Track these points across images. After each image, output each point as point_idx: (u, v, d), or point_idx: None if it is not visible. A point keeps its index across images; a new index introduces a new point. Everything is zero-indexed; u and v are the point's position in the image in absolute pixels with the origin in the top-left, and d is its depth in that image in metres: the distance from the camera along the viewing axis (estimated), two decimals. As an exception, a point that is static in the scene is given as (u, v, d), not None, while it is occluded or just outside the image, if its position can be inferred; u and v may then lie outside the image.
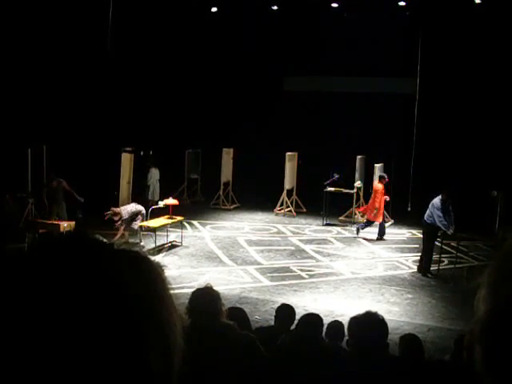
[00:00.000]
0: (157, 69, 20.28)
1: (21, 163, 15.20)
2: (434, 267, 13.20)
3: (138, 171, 17.28)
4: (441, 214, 12.78)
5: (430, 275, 13.08)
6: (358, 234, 16.29)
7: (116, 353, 0.77)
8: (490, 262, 0.80)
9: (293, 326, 6.57)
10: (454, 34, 18.36)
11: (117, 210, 14.19)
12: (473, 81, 18.48)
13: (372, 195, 16.24)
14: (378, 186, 16.03)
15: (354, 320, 4.28)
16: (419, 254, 14.43)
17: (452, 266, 13.41)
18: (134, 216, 14.26)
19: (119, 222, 14.16)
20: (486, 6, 17.62)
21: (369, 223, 16.33)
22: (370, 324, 4.17)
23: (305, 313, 5.93)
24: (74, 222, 13.77)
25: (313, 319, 5.36)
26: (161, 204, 14.80)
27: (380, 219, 16.07)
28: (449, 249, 13.79)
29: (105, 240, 0.92)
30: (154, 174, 19.08)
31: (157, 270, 0.88)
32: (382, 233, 16.17)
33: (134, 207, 14.42)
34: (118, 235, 14.13)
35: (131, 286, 0.81)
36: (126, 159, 16.87)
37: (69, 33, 17.24)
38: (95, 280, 0.80)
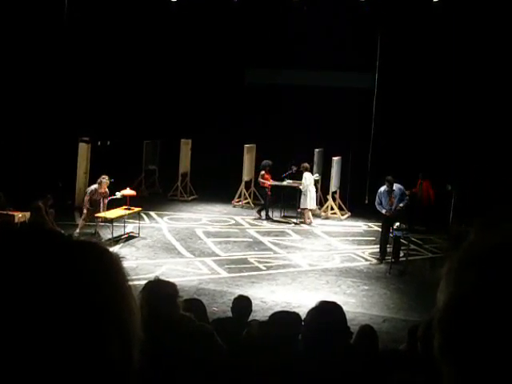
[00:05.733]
0: (115, 58, 20.02)
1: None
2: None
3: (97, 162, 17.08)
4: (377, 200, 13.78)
5: (378, 261, 13.54)
6: None
7: (76, 344, 0.77)
8: (451, 255, 0.82)
9: (250, 318, 6.61)
10: (413, 30, 18.59)
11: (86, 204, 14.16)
12: (430, 76, 18.76)
13: None
14: None
15: (312, 310, 4.31)
16: (376, 246, 14.65)
17: (410, 258, 13.58)
18: (93, 198, 14.19)
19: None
20: (444, 3, 17.88)
21: None
22: (327, 312, 4.21)
23: (280, 310, 5.78)
24: (29, 213, 13.55)
25: (290, 319, 5.08)
26: (118, 195, 14.65)
27: None
28: (403, 241, 13.94)
29: (62, 231, 0.91)
30: (308, 179, 17.09)
31: (115, 261, 0.87)
32: None
33: (87, 193, 14.33)
34: (80, 225, 14.13)
35: (90, 277, 0.81)
36: (83, 149, 16.68)
37: (22, 16, 16.86)
38: (53, 272, 0.79)
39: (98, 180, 14.30)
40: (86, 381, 0.78)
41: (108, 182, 14.29)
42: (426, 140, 18.73)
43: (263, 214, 17.58)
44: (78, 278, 0.80)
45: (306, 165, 17.34)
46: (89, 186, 15.78)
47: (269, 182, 17.59)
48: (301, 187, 17.16)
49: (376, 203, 13.78)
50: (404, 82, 19.27)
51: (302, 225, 17.02)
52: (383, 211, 13.58)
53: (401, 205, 13.56)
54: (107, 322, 0.80)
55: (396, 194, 13.56)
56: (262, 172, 17.66)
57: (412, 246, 14.26)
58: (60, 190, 15.74)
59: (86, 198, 14.19)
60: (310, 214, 17.22)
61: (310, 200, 17.01)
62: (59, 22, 17.07)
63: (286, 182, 18.12)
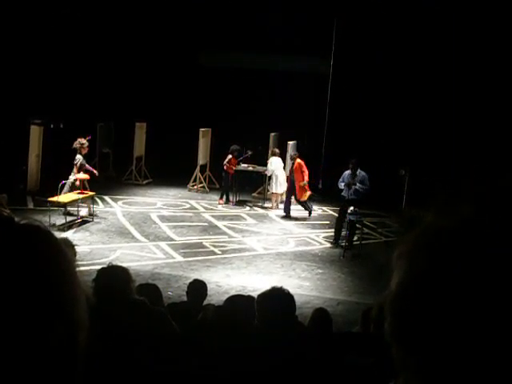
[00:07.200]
0: (68, 39, 19.61)
1: None
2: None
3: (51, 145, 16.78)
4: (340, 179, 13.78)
5: (332, 245, 13.67)
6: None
7: (15, 329, 0.75)
8: (404, 238, 0.82)
9: (205, 301, 6.61)
10: (369, 16, 18.67)
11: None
12: (385, 63, 18.88)
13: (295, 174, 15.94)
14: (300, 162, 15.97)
15: (262, 295, 4.34)
16: (330, 230, 14.78)
17: (364, 241, 13.74)
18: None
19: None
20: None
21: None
22: (277, 298, 4.24)
23: (235, 294, 5.83)
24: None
25: (245, 303, 5.09)
26: (71, 178, 14.42)
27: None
28: (358, 225, 14.12)
29: (13, 216, 0.88)
30: (274, 164, 16.73)
31: (59, 245, 0.84)
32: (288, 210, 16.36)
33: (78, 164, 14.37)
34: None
35: (30, 260, 0.78)
36: (35, 132, 16.39)
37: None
38: None
39: (77, 145, 14.29)
40: (28, 364, 0.76)
41: (87, 142, 14.54)
42: (379, 125, 18.89)
43: (231, 198, 17.60)
44: (18, 262, 0.77)
45: (275, 150, 17.19)
46: (42, 169, 15.56)
47: (234, 168, 17.52)
48: (267, 172, 17.13)
49: (339, 181, 13.73)
50: (358, 67, 19.37)
51: (268, 209, 17.07)
52: (342, 186, 13.60)
53: (358, 185, 13.53)
54: (47, 307, 0.78)
55: (358, 180, 13.50)
56: (230, 156, 17.51)
57: (366, 230, 14.46)
58: (19, 174, 15.44)
59: (76, 170, 14.29)
60: (277, 198, 17.24)
61: (276, 185, 16.90)
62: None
63: (251, 168, 18.10)
